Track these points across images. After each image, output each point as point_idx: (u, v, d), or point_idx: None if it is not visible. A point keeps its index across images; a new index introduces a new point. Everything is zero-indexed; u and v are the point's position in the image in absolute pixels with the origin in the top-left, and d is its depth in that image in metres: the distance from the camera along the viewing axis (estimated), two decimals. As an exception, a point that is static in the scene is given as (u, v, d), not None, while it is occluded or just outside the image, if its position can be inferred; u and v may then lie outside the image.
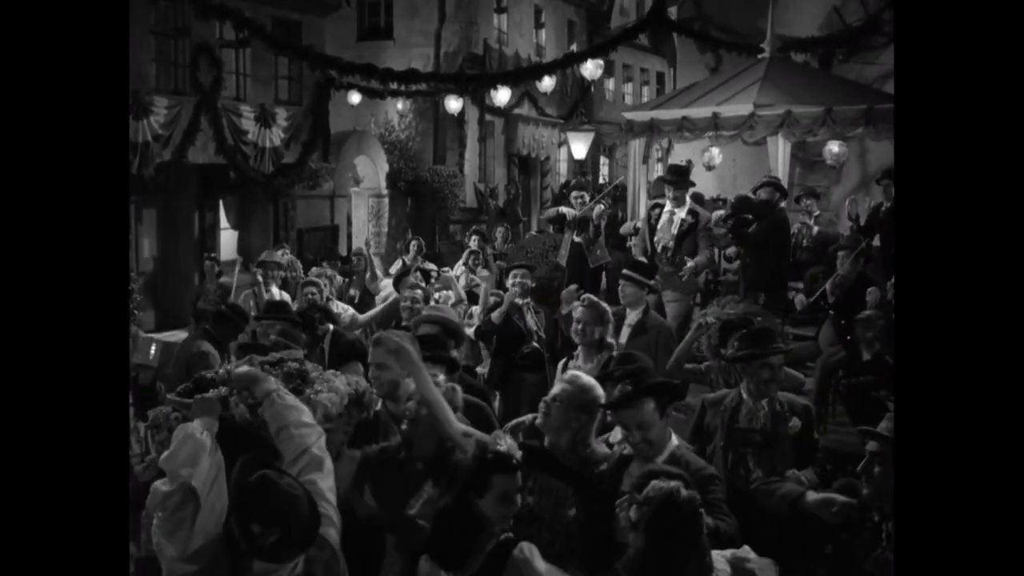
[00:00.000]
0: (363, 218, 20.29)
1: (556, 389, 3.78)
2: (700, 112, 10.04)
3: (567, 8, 25.50)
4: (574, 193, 9.81)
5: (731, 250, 9.56)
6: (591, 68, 14.11)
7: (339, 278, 9.63)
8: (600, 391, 3.76)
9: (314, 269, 9.35)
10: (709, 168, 11.63)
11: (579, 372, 4.11)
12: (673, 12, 16.13)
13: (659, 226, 8.30)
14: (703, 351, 5.45)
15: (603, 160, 27.26)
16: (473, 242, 9.91)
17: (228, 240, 17.28)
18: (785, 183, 11.80)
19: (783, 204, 9.70)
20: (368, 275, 9.53)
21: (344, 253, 19.60)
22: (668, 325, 6.38)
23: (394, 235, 20.42)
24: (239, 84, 16.46)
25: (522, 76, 13.33)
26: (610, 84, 27.20)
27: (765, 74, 10.25)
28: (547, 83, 14.33)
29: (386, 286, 9.32)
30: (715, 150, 11.38)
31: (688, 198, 8.35)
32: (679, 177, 8.40)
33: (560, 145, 24.78)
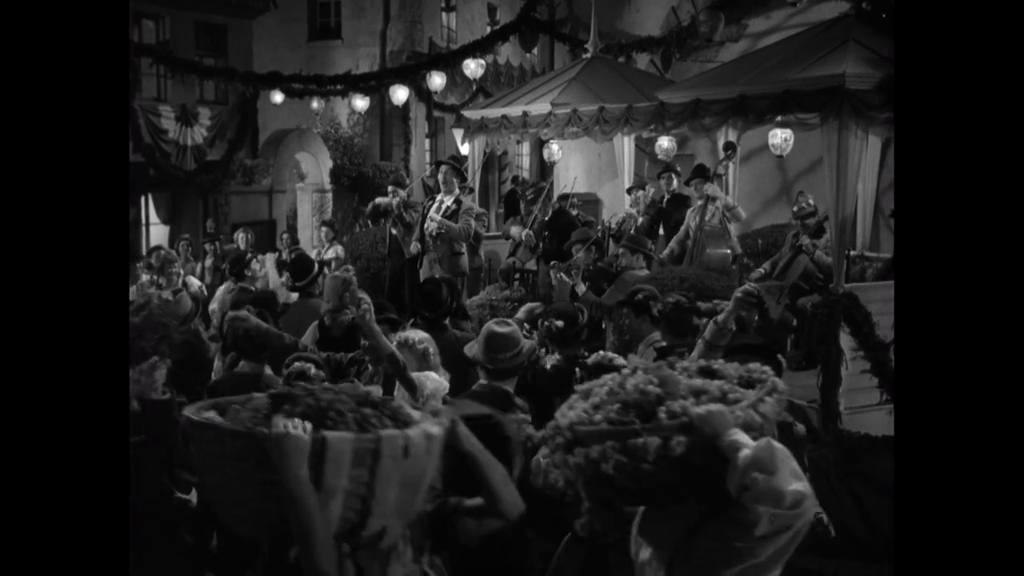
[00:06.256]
0: (307, 213, 21.04)
1: None
2: (514, 111, 10.47)
3: (526, 6, 25.87)
4: (390, 188, 10.47)
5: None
6: (472, 67, 14.63)
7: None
8: None
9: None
10: (551, 163, 12.10)
11: None
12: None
13: (429, 213, 8.92)
14: None
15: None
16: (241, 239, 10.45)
17: (160, 235, 18.18)
18: (631, 176, 12.26)
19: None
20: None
21: (280, 248, 20.54)
22: None
23: (340, 229, 21.16)
24: (160, 85, 17.24)
25: (396, 75, 13.88)
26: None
27: (576, 74, 10.64)
28: (437, 82, 14.83)
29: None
30: (555, 146, 11.82)
31: (457, 186, 8.98)
32: (453, 165, 9.07)
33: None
